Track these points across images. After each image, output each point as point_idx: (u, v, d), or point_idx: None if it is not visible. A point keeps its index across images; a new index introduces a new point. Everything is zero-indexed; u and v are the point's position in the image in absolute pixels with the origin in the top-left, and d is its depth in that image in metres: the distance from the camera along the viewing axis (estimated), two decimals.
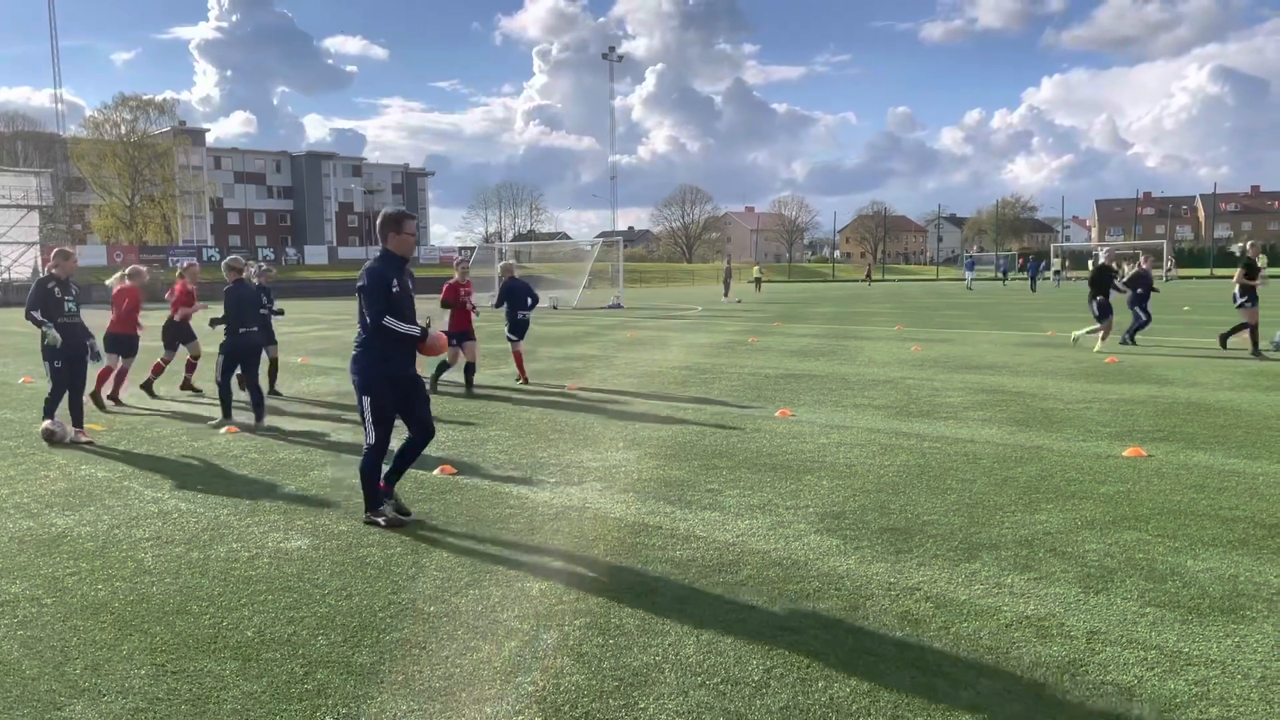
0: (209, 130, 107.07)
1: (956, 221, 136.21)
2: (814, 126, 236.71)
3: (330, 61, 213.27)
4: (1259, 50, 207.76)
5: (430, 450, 8.96)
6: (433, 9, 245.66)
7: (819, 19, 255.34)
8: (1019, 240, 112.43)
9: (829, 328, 25.30)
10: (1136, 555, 5.48)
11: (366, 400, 6.19)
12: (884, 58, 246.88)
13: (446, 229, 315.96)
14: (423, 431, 6.39)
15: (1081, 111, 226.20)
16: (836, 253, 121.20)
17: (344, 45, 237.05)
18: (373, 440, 6.23)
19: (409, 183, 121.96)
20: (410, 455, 6.50)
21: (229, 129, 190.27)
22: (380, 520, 6.37)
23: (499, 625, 4.60)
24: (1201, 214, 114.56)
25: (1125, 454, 8.07)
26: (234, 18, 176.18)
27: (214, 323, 10.53)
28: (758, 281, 55.40)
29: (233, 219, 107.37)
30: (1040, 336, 20.50)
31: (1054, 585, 5.02)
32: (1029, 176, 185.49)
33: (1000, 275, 66.75)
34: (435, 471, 7.99)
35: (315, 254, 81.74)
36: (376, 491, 6.42)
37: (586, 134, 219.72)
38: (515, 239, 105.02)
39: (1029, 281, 54.82)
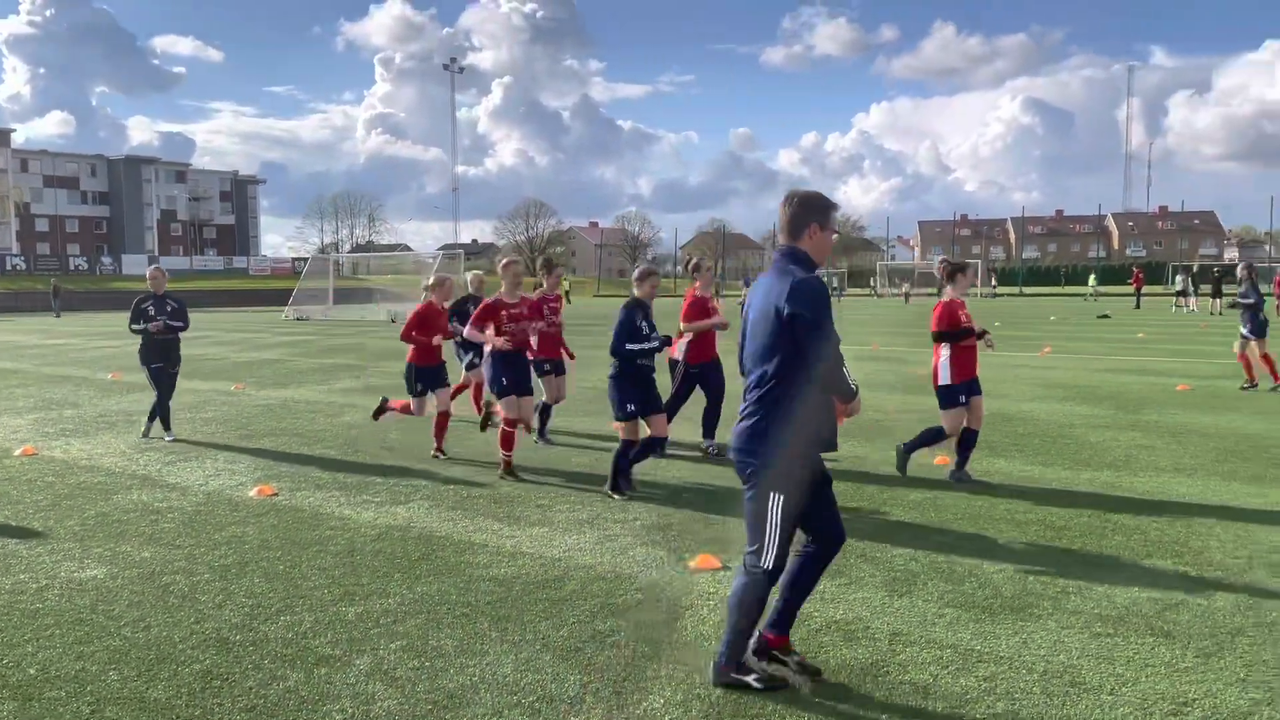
0: (14, 131, 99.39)
1: None
2: (659, 144, 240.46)
3: (156, 62, 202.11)
4: (1065, 84, 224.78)
5: (249, 470, 8.59)
6: (272, 11, 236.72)
7: (663, 39, 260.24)
8: (849, 258, 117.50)
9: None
10: (939, 559, 5.79)
11: (779, 501, 3.89)
12: (726, 80, 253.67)
13: (281, 239, 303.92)
14: (834, 540, 4.13)
15: (908, 137, 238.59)
16: (678, 269, 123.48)
17: (174, 45, 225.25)
18: (771, 564, 3.92)
19: (239, 190, 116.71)
20: (813, 577, 4.15)
21: (43, 130, 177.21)
22: (756, 683, 4.02)
23: (309, 652, 4.43)
24: (1012, 235, 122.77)
25: (936, 462, 8.51)
26: (48, 12, 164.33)
27: None
28: (565, 294, 56.54)
29: (41, 225, 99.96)
30: (866, 350, 21.44)
31: (862, 590, 5.24)
32: (861, 198, 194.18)
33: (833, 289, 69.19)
34: (252, 493, 7.64)
35: (134, 263, 77.02)
36: (743, 645, 4.07)
37: (432, 144, 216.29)
38: (353, 250, 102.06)
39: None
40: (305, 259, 61.14)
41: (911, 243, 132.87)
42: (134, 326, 10.06)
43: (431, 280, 9.58)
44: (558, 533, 6.42)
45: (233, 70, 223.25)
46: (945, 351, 7.73)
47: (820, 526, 4.06)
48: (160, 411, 10.24)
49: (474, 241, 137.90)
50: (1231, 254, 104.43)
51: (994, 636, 4.56)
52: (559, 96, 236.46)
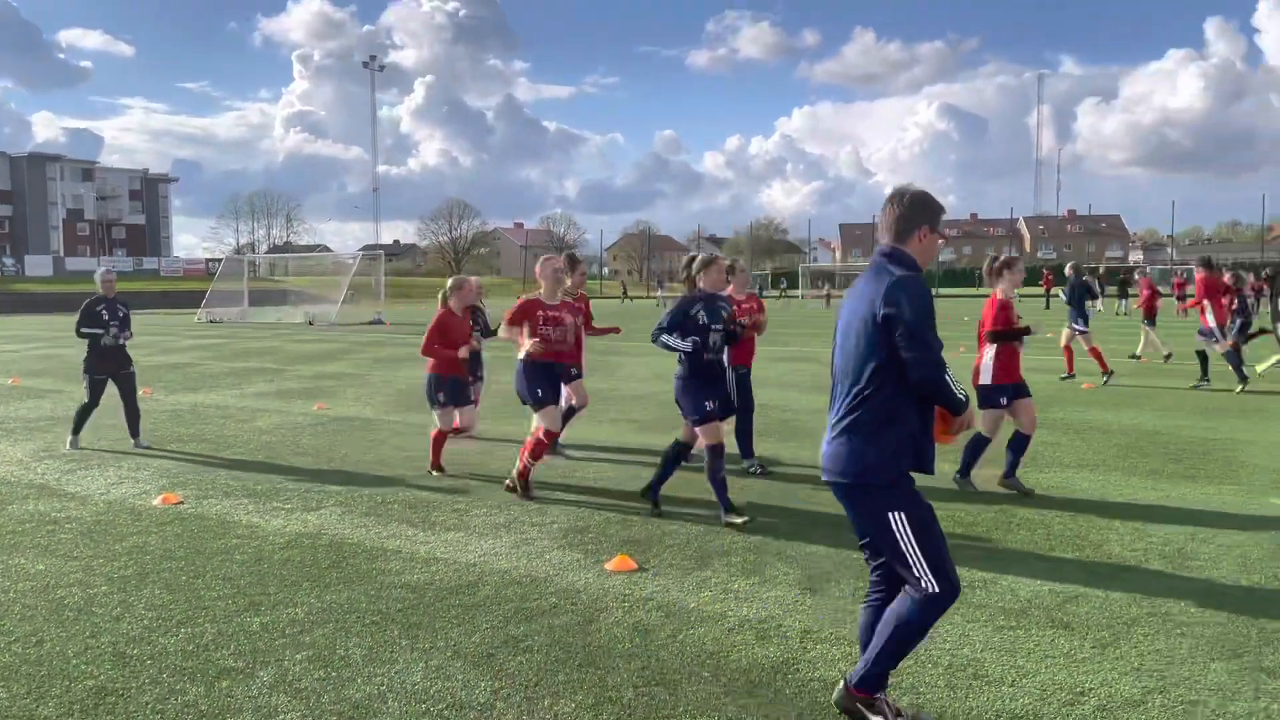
0: None
1: (717, 242, 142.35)
2: (584, 145, 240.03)
3: (63, 56, 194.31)
4: (980, 91, 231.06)
5: (153, 478, 8.32)
6: (185, 5, 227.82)
7: (588, 41, 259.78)
8: (773, 260, 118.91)
9: (590, 342, 25.61)
10: (853, 556, 5.86)
11: (902, 519, 3.49)
12: (651, 82, 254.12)
13: (195, 239, 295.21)
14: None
15: (829, 141, 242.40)
16: (605, 270, 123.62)
17: (82, 39, 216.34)
18: (935, 587, 3.46)
19: (150, 189, 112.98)
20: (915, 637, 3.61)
21: None
22: None
23: (211, 665, 4.30)
24: None
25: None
26: None
27: None
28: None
29: None
30: (794, 352, 21.71)
31: (777, 588, 5.29)
32: (784, 201, 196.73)
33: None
34: (156, 501, 7.40)
35: (38, 264, 74.17)
36: (886, 670, 3.62)
37: (353, 143, 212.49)
38: (270, 251, 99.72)
39: None
40: (220, 260, 59.48)
41: (833, 245, 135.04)
42: (83, 330, 9.61)
43: (450, 283, 8.71)
44: (473, 537, 6.35)
45: (144, 65, 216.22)
46: (991, 351, 7.46)
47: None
48: (79, 421, 9.80)
49: (396, 242, 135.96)
50: (1136, 256, 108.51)
51: None
52: (483, 96, 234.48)
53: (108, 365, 9.73)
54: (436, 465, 8.53)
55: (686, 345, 6.64)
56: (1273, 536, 6.16)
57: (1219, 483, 7.74)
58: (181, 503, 7.37)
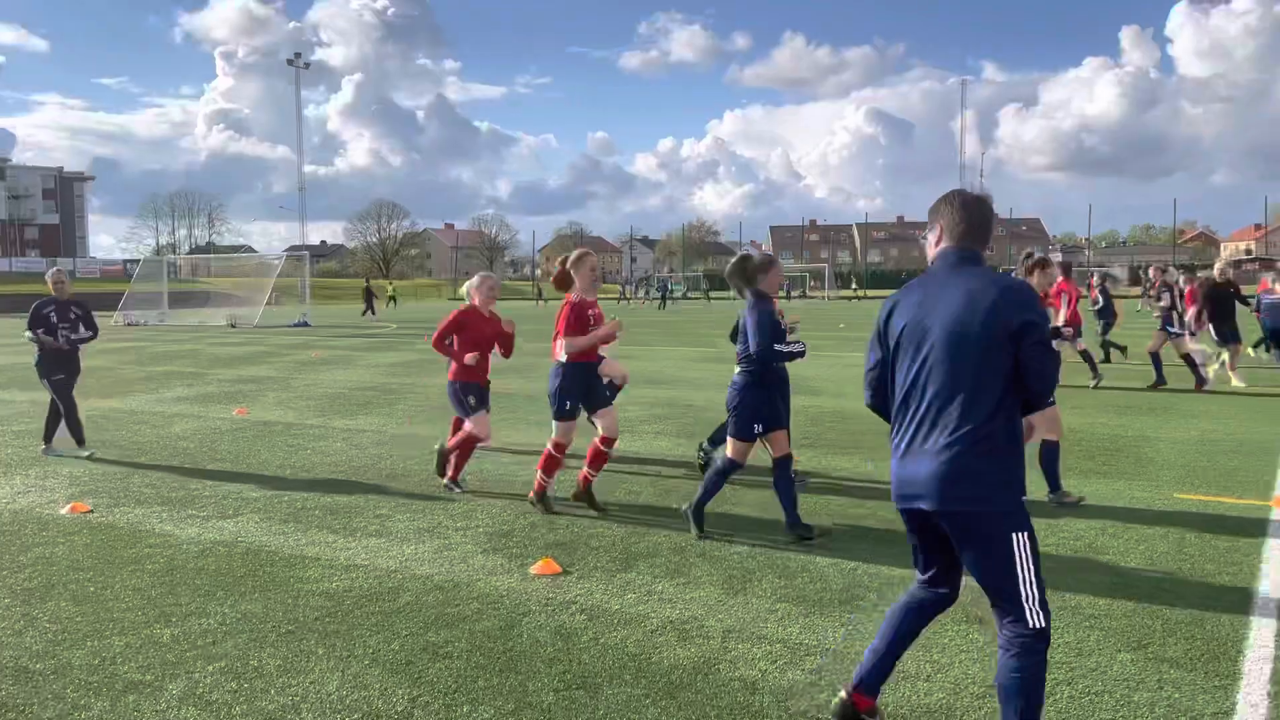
0: None
1: (649, 243, 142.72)
2: (516, 146, 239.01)
3: None
4: (906, 96, 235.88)
5: (62, 486, 8.03)
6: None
7: (519, 41, 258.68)
8: (705, 262, 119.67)
9: (522, 344, 25.47)
10: (775, 555, 5.92)
11: (1024, 539, 3.20)
12: (584, 83, 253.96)
13: (113, 240, 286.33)
14: (954, 592, 3.70)
15: (760, 144, 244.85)
16: (538, 271, 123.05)
17: None
18: (1042, 621, 3.24)
19: (64, 188, 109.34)
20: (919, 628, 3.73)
21: None
22: None
23: (117, 679, 4.16)
24: (857, 241, 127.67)
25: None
26: None
27: None
28: (391, 299, 56.33)
29: None
30: (713, 351, 21.85)
31: (700, 589, 5.31)
32: (716, 203, 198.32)
33: (659, 295, 67.34)
34: (64, 510, 7.15)
35: None
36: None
37: (280, 142, 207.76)
38: (192, 252, 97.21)
39: (660, 301, 60.80)
40: (138, 261, 57.71)
41: (764, 248, 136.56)
42: (29, 334, 9.19)
43: (475, 280, 7.89)
44: (395, 543, 6.26)
45: (59, 60, 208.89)
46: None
47: (951, 574, 3.52)
48: (70, 424, 9.38)
49: (323, 243, 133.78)
50: (1056, 257, 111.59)
51: (822, 629, 4.69)
52: (413, 96, 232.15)
53: (64, 367, 9.34)
54: (455, 478, 7.73)
55: (800, 346, 6.29)
56: (1178, 531, 6.38)
57: (1129, 479, 7.99)
58: (91, 511, 7.13)
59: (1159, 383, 13.83)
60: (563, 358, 6.84)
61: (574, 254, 7.13)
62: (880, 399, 3.53)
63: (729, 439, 6.37)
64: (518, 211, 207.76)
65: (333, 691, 4.02)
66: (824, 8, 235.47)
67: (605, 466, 7.29)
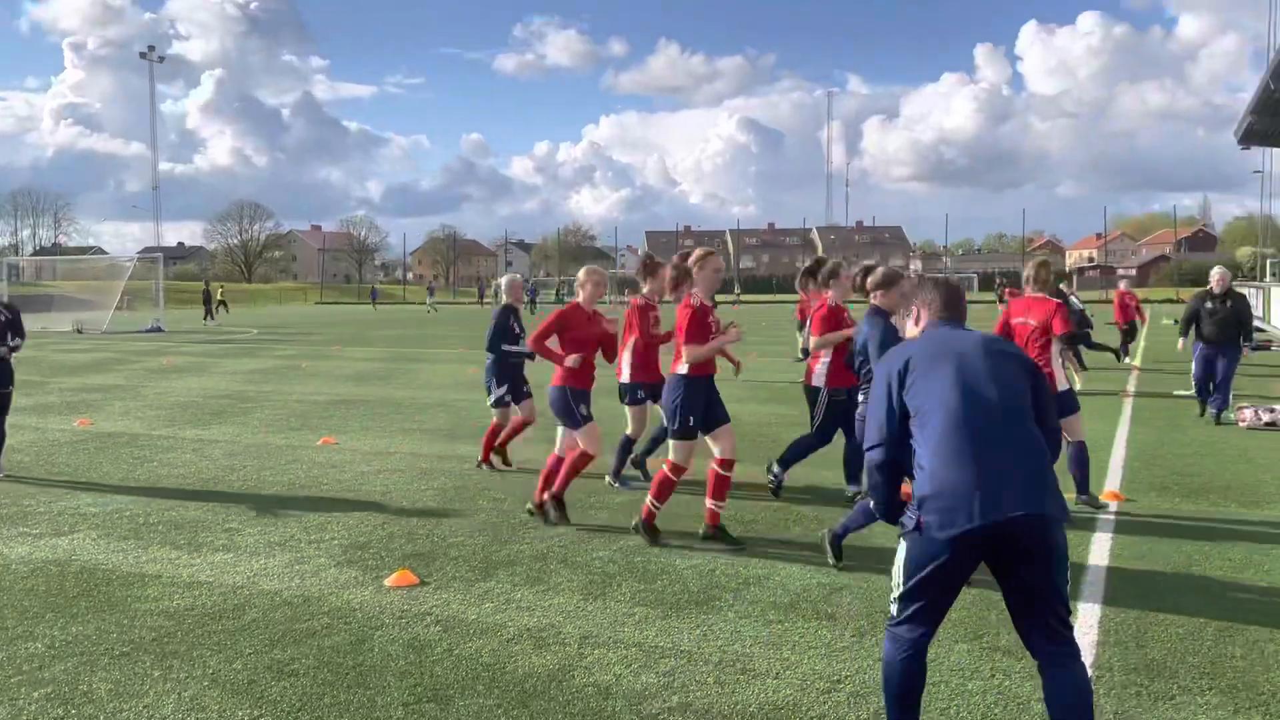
0: None
1: (525, 247, 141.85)
2: (387, 147, 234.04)
3: None
4: (776, 105, 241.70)
5: None
6: None
7: (388, 39, 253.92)
8: (580, 266, 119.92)
9: (391, 350, 24.98)
10: (636, 559, 5.96)
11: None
12: (457, 84, 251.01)
13: None
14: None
15: (636, 150, 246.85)
16: (409, 275, 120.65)
17: None
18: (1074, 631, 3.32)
19: None
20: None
21: None
22: None
23: None
24: (730, 247, 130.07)
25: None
26: None
27: None
28: (222, 304, 52.62)
29: None
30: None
31: (559, 595, 5.30)
32: (593, 207, 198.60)
33: (528, 299, 67.70)
34: None
35: None
36: None
37: (134, 139, 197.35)
38: (36, 254, 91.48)
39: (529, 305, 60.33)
40: None
41: (640, 252, 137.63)
42: None
43: (582, 275, 7.20)
44: (244, 558, 6.02)
45: None
46: (1055, 348, 7.12)
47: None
48: None
49: (181, 245, 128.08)
50: (915, 265, 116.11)
51: (678, 632, 4.74)
52: (278, 93, 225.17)
53: None
54: (560, 508, 6.89)
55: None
56: None
57: None
58: None
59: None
60: (683, 369, 6.14)
61: (698, 252, 6.40)
62: (901, 450, 3.37)
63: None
64: (390, 213, 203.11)
65: (168, 715, 3.84)
66: (698, 17, 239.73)
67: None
